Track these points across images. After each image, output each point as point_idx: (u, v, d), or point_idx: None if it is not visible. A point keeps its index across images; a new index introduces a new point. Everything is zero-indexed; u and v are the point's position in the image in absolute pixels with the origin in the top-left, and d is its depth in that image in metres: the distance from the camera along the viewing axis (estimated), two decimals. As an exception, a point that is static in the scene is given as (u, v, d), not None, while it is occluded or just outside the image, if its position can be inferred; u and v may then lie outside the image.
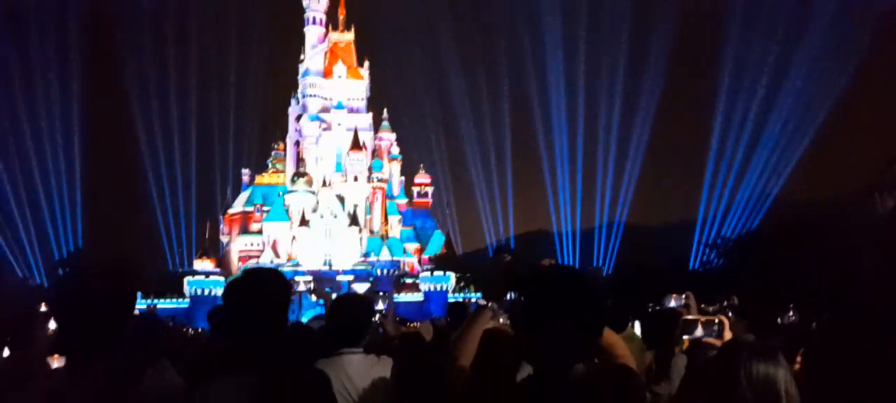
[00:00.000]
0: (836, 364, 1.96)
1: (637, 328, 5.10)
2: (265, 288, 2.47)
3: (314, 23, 76.10)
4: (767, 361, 1.97)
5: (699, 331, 2.74)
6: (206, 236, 73.61)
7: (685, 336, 2.80)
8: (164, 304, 58.45)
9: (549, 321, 1.90)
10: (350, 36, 78.72)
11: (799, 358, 3.39)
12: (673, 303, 3.86)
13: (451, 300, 61.08)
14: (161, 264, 75.01)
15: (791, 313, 6.76)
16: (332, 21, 78.05)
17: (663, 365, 4.41)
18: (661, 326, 4.70)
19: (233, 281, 2.60)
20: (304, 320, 9.26)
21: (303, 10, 76.23)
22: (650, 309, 5.06)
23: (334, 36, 77.76)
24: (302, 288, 59.22)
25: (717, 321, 2.72)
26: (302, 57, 77.23)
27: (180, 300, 62.62)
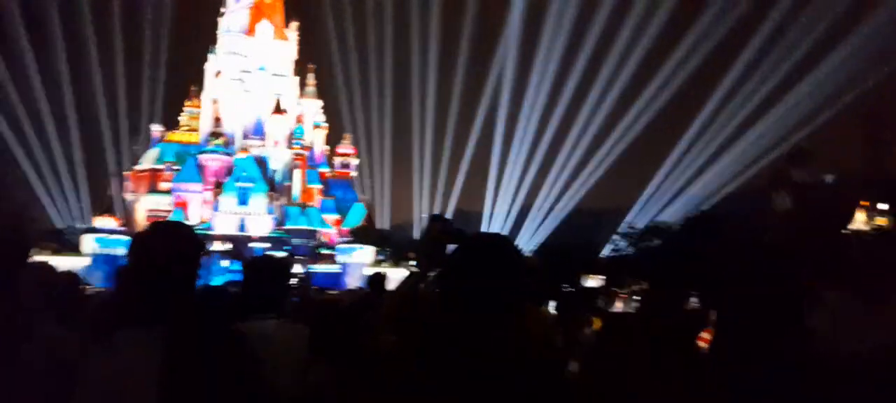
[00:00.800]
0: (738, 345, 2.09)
1: (551, 306, 5.28)
2: (177, 240, 2.34)
3: (240, -24, 72.64)
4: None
5: (619, 306, 2.87)
6: (110, 193, 69.38)
7: (606, 309, 2.93)
8: (58, 262, 54.70)
9: (471, 281, 1.93)
10: (278, -7, 75.69)
11: (705, 337, 3.62)
12: (590, 283, 4.02)
13: (367, 273, 60.86)
14: (48, 219, 69.86)
15: (693, 300, 7.24)
16: (258, -24, 74.71)
17: (572, 342, 4.58)
18: (573, 306, 4.90)
19: (141, 234, 2.44)
20: (215, 283, 8.93)
21: (228, -38, 72.58)
22: (565, 290, 5.26)
23: (260, -8, 74.52)
24: (216, 248, 57.12)
25: (637, 297, 2.85)
26: (223, 10, 73.55)
27: (78, 257, 58.82)
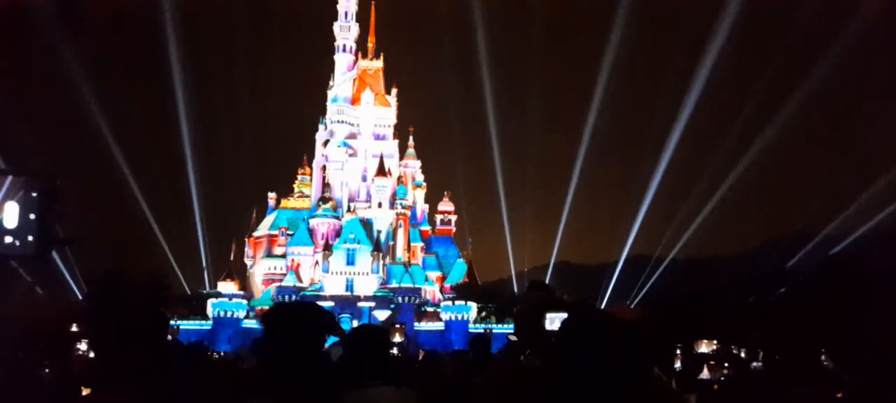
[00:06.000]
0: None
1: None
2: (310, 321, 2.51)
3: (344, 50, 77.49)
4: None
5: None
6: (231, 258, 74.34)
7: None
8: (186, 325, 58.83)
9: (590, 355, 1.88)
10: (379, 64, 79.94)
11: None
12: (704, 349, 3.80)
13: (471, 330, 60.60)
14: (177, 284, 75.19)
15: (823, 359, 6.59)
16: (361, 49, 79.50)
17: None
18: (698, 369, 4.62)
19: (273, 310, 2.63)
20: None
21: (333, 38, 77.75)
22: (680, 350, 4.98)
23: (363, 63, 79.03)
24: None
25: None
26: (331, 83, 78.49)
27: (203, 322, 62.98)
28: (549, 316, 2.46)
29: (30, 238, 3.49)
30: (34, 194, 3.53)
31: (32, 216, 3.48)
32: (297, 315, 2.54)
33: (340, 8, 77.17)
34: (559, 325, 2.11)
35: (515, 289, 73.01)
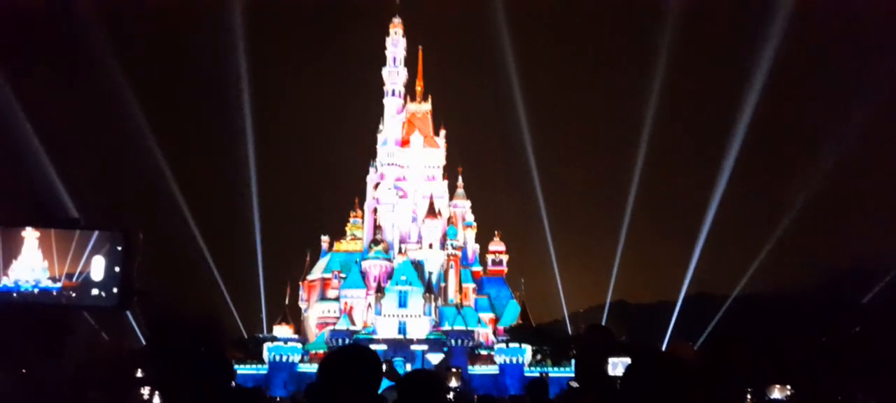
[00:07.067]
0: None
1: None
2: (364, 368, 2.50)
3: (393, 95, 79.29)
4: None
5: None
6: (286, 302, 75.55)
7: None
8: (242, 370, 59.78)
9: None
10: (427, 107, 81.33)
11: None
12: (776, 395, 3.57)
13: (527, 374, 59.30)
14: (234, 328, 76.42)
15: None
16: (410, 92, 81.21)
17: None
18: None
19: (330, 357, 2.63)
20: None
21: (382, 83, 79.74)
22: (751, 395, 4.69)
23: (412, 107, 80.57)
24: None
25: None
26: (380, 127, 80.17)
27: (259, 365, 63.79)
28: (611, 360, 2.35)
29: (115, 290, 3.69)
30: (119, 248, 3.74)
31: (117, 268, 3.70)
32: (354, 361, 2.53)
33: (389, 54, 79.34)
34: (623, 371, 2.02)
35: (570, 330, 71.41)
